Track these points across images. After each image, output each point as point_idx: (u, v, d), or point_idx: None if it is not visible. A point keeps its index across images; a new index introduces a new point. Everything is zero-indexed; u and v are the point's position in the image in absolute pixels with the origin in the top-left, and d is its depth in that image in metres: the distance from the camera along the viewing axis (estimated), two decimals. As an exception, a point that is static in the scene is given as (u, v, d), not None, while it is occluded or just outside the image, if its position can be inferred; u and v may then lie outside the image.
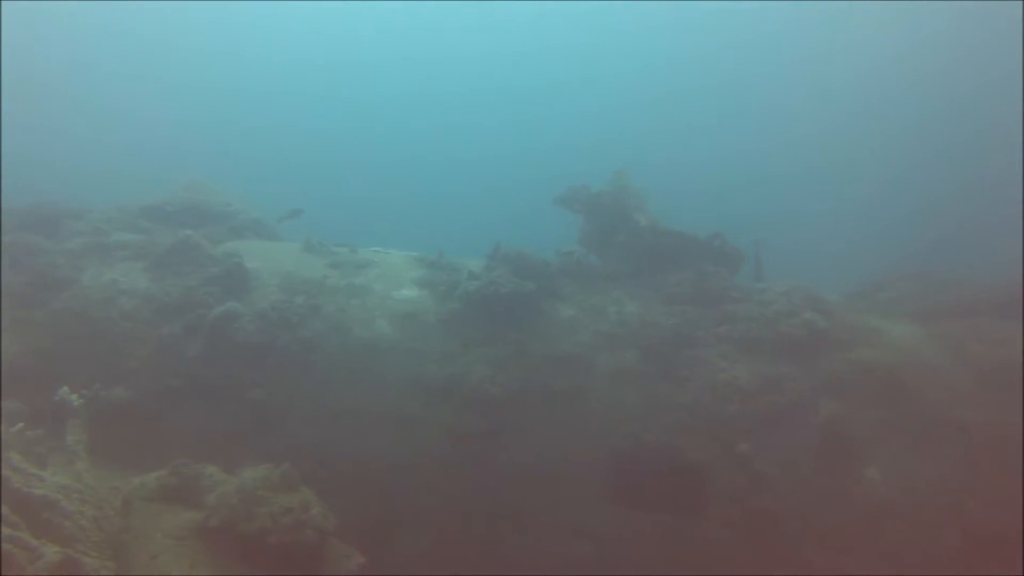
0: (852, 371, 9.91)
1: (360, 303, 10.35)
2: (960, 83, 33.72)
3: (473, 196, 38.09)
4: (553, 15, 48.22)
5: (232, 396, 9.36)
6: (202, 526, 6.98)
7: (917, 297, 11.45)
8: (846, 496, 9.24)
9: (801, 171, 37.28)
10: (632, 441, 9.27)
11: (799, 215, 32.24)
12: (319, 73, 48.26)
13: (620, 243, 11.54)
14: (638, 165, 12.23)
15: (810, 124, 38.51)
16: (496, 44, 48.94)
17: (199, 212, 12.28)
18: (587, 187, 11.91)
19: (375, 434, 9.26)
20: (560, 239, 12.02)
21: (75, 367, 9.34)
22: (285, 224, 13.55)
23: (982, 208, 27.95)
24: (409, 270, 11.13)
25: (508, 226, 12.01)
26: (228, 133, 41.98)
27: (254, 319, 9.72)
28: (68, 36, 44.61)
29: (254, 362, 9.56)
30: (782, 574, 8.89)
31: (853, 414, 9.63)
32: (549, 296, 10.46)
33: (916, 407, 9.74)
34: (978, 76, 32.72)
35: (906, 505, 9.16)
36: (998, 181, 28.28)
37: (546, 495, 9.07)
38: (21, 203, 11.49)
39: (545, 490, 9.08)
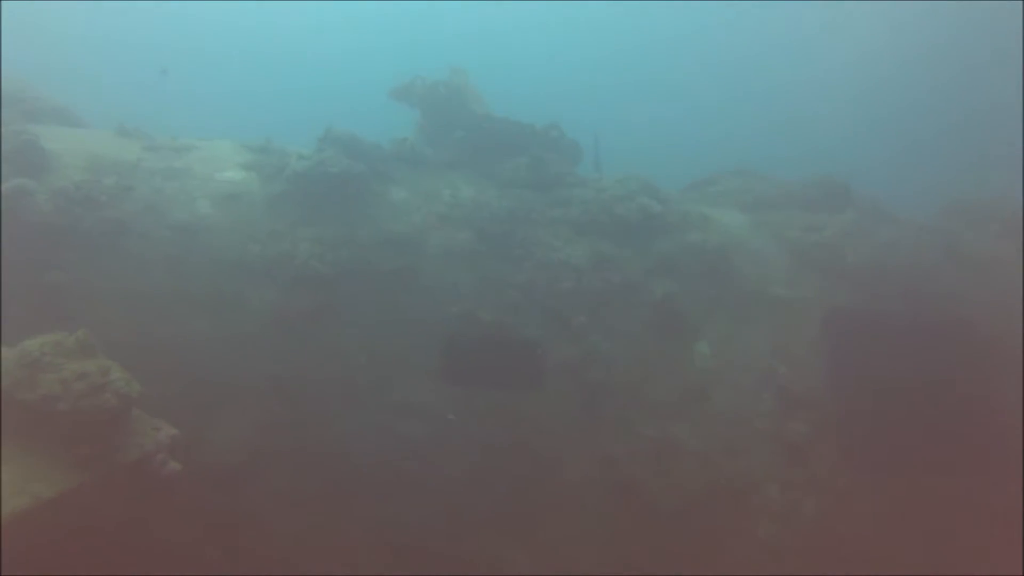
0: (684, 252, 10.23)
1: (179, 185, 9.58)
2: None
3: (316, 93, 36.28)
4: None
5: (25, 280, 8.42)
6: (-29, 401, 6.16)
7: (743, 191, 11.97)
8: (677, 368, 9.59)
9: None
10: (466, 319, 9.14)
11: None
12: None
13: (458, 138, 11.27)
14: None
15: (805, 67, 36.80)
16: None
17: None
18: (423, 78, 11.53)
19: (194, 316, 8.65)
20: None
21: None
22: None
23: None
24: (235, 155, 10.41)
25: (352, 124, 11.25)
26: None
27: (52, 197, 8.76)
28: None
29: (52, 244, 8.63)
30: (616, 445, 9.14)
31: (684, 291, 9.96)
32: (381, 178, 10.08)
33: (740, 285, 10.22)
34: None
35: (729, 373, 9.62)
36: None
37: (376, 374, 8.81)
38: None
39: (375, 369, 8.83)
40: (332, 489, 8.51)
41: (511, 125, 10.94)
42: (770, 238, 10.93)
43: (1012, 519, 9.46)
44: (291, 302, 8.92)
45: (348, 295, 9.09)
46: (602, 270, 9.74)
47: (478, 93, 11.83)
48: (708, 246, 10.29)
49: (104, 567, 6.04)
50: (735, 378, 9.65)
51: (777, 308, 10.14)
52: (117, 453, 6.24)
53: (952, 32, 29.98)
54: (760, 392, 9.56)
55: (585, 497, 8.95)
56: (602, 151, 12.13)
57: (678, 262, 10.14)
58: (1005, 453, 9.78)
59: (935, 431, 9.74)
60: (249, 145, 10.67)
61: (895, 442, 9.66)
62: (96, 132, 10.80)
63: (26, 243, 8.53)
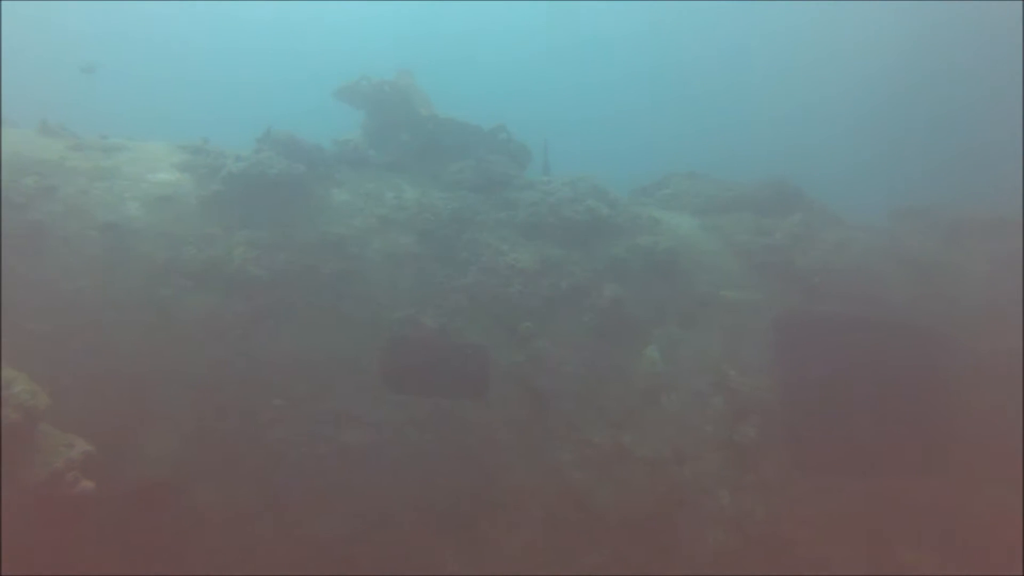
0: (633, 256, 10.06)
1: (107, 185, 9.13)
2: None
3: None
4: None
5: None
6: None
7: (693, 194, 11.88)
8: (626, 373, 9.39)
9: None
10: (409, 324, 8.84)
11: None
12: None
13: (404, 141, 10.97)
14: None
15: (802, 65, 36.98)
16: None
17: None
18: (368, 77, 11.22)
19: (120, 322, 8.20)
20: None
21: None
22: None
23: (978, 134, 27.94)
24: (169, 155, 9.98)
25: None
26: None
27: (-36, 198, 8.26)
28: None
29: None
30: (563, 453, 8.91)
31: (634, 296, 9.79)
32: (322, 180, 9.74)
33: (690, 288, 10.09)
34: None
35: (680, 378, 9.46)
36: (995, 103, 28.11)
37: (314, 381, 8.46)
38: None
39: (313, 376, 8.47)
40: (267, 503, 8.12)
41: (457, 126, 10.69)
42: (720, 241, 10.83)
43: (962, 520, 9.46)
44: (225, 307, 8.53)
45: (286, 300, 8.73)
46: (550, 274, 9.52)
47: (425, 95, 11.55)
48: (658, 249, 10.14)
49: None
50: (685, 383, 9.49)
51: (727, 312, 10.02)
52: (21, 473, 5.82)
53: (948, 33, 29.93)
54: (711, 397, 9.42)
55: (531, 506, 8.69)
56: (552, 154, 11.93)
57: (627, 266, 9.98)
58: (954, 454, 9.78)
59: (884, 433, 9.72)
60: (184, 146, 10.26)
61: (845, 445, 9.59)
62: (17, 131, 10.26)
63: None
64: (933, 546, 9.26)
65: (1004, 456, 9.67)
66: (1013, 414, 9.91)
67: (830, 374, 9.80)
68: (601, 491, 8.82)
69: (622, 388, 9.31)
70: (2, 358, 6.21)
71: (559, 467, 8.83)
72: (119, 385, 7.97)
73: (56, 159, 9.26)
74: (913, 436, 9.77)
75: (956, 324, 10.46)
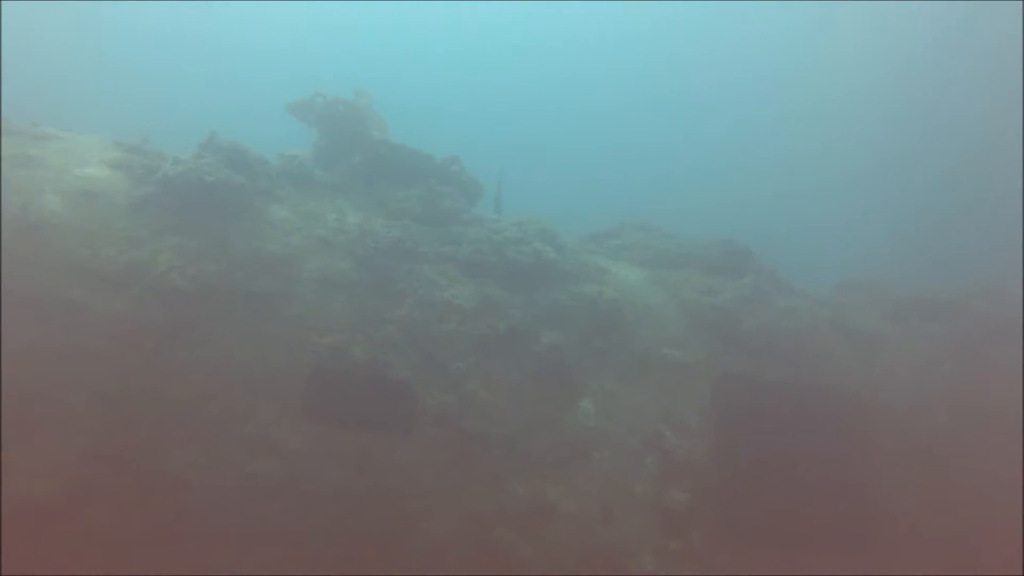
0: (576, 304, 9.80)
1: (27, 174, 8.55)
2: (963, 91, 32.53)
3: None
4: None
5: None
6: None
7: (643, 246, 11.73)
8: (558, 425, 9.06)
9: (805, 185, 36.49)
10: (336, 353, 8.40)
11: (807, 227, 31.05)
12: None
13: (354, 163, 10.63)
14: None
15: (811, 137, 37.49)
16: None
17: None
18: (323, 94, 10.91)
19: (16, 321, 7.58)
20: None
21: None
22: None
23: (984, 222, 28.27)
24: (102, 151, 9.46)
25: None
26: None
27: None
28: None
29: None
30: (485, 502, 8.50)
31: (573, 345, 9.50)
32: (263, 194, 9.32)
33: (632, 342, 9.84)
34: (982, 84, 31.86)
35: (613, 434, 9.16)
36: (1000, 196, 28.36)
37: (229, 403, 7.93)
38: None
39: (228, 397, 7.95)
40: (160, 532, 7.52)
41: (409, 153, 10.39)
42: (666, 297, 10.65)
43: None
44: (141, 316, 7.98)
45: (208, 314, 8.22)
46: (488, 314, 9.19)
47: (381, 117, 11.27)
48: (602, 299, 9.89)
49: None
50: (618, 440, 9.18)
51: (668, 370, 9.78)
52: None
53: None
54: (643, 456, 9.12)
55: (447, 556, 8.23)
56: (505, 192, 11.68)
57: (569, 313, 9.70)
58: (885, 532, 9.64)
59: (816, 507, 9.52)
60: (122, 143, 9.77)
61: (777, 517, 9.36)
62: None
63: None
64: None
65: (935, 537, 9.56)
66: (944, 496, 9.83)
67: (767, 443, 9.60)
68: (521, 546, 8.41)
69: (552, 440, 8.97)
70: None
71: (479, 517, 8.41)
72: (8, 390, 7.35)
73: (-25, 143, 8.68)
74: (844, 511, 9.59)
75: (893, 400, 10.40)
